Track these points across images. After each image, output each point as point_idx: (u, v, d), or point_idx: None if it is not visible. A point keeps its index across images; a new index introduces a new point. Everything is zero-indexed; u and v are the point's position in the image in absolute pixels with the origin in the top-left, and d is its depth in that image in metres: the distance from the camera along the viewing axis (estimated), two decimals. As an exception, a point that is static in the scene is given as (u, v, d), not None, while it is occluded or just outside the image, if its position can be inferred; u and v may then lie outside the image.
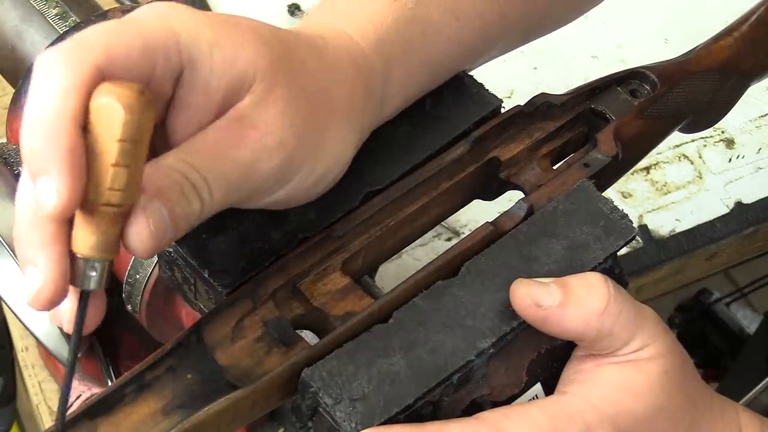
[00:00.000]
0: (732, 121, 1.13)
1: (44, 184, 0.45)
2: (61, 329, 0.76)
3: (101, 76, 0.47)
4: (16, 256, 0.72)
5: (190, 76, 0.51)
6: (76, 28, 0.78)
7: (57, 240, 0.47)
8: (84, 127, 0.46)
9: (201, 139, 0.52)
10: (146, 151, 0.46)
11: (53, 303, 0.48)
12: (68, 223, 0.48)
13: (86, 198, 0.46)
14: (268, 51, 0.53)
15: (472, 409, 0.56)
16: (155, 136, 0.50)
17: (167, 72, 0.50)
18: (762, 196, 1.18)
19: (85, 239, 0.47)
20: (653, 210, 1.16)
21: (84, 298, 0.49)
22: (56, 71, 0.47)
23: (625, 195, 1.17)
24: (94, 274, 0.48)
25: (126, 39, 0.49)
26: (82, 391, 0.94)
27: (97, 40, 0.48)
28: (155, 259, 0.70)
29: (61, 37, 0.78)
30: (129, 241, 0.48)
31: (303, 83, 0.55)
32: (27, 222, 0.48)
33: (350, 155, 0.60)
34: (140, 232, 0.48)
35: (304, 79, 0.55)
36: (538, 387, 0.60)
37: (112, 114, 0.45)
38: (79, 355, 0.80)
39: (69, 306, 0.51)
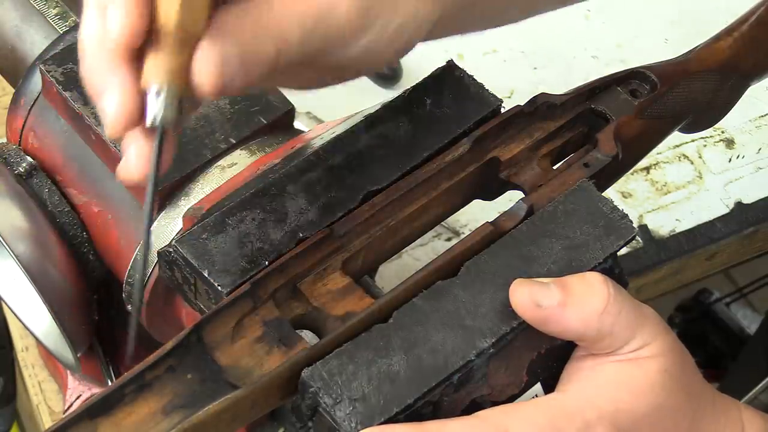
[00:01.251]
0: (732, 121, 1.13)
1: (112, 11, 0.46)
2: (62, 331, 0.76)
3: None
4: (15, 255, 0.72)
5: None
6: (76, 27, 0.78)
7: (128, 65, 0.48)
8: None
9: None
10: None
11: (129, 127, 0.48)
12: (136, 57, 0.48)
13: (152, 30, 0.47)
14: None
15: (472, 409, 0.56)
16: None
17: None
18: (762, 196, 1.18)
19: (152, 67, 0.47)
20: (653, 210, 1.16)
21: (158, 132, 0.49)
22: None
23: (625, 195, 1.17)
24: (167, 102, 0.48)
25: None
26: (82, 391, 0.94)
27: None
28: (155, 259, 0.70)
29: (61, 37, 0.78)
30: (195, 71, 0.48)
31: None
32: (96, 53, 0.48)
33: (427, 18, 0.57)
34: (205, 64, 0.48)
35: None
36: (538, 387, 0.60)
37: None
38: (78, 355, 0.80)
39: (142, 149, 0.50)
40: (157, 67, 0.47)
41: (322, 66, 0.56)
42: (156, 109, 0.48)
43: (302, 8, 0.51)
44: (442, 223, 0.80)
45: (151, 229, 0.48)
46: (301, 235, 0.60)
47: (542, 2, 0.74)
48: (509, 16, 0.71)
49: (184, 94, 0.49)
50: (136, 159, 0.50)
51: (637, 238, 1.13)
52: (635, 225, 1.00)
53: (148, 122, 0.48)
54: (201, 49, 0.48)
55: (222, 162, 0.71)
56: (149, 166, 0.50)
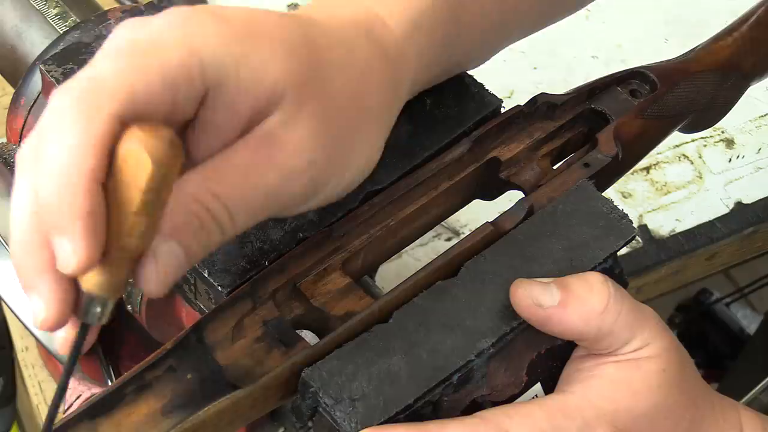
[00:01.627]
0: (732, 121, 1.12)
1: (62, 245, 0.44)
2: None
3: (121, 124, 0.45)
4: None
5: (215, 96, 0.48)
6: (76, 27, 0.78)
7: (54, 270, 0.45)
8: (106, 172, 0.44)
9: (225, 162, 0.49)
10: (168, 197, 0.45)
11: (57, 328, 0.47)
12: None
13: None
14: (297, 62, 0.50)
15: (472, 409, 0.56)
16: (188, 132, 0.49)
17: (190, 96, 0.47)
18: (762, 196, 1.18)
19: (95, 278, 0.46)
20: (653, 210, 1.16)
21: (83, 330, 0.48)
22: (73, 125, 0.44)
23: (625, 195, 1.17)
24: (98, 310, 0.47)
25: (146, 77, 0.45)
26: (82, 391, 0.94)
27: (115, 85, 0.45)
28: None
29: (61, 37, 0.78)
30: (140, 283, 0.47)
31: (334, 93, 0.52)
32: (25, 247, 0.46)
33: (378, 153, 0.58)
34: (150, 277, 0.47)
35: (335, 88, 0.52)
36: (538, 387, 0.60)
37: (139, 164, 0.43)
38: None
39: (65, 333, 0.49)
40: (96, 278, 0.45)
41: (273, 216, 0.55)
42: (86, 311, 0.47)
43: (252, 194, 0.49)
44: (442, 223, 0.80)
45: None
46: (301, 235, 0.60)
47: (519, 28, 0.72)
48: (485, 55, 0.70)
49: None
50: (60, 341, 0.50)
51: (637, 238, 1.13)
52: (635, 225, 1.01)
53: (79, 318, 0.47)
54: (146, 267, 0.46)
55: (222, 162, 0.71)
56: (69, 348, 0.49)
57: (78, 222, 0.43)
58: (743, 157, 1.21)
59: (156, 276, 0.47)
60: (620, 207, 0.62)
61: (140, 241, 0.45)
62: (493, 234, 0.61)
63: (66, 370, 0.49)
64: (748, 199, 1.17)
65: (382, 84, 0.56)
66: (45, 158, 0.45)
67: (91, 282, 0.46)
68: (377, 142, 0.58)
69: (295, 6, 1.29)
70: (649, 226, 1.14)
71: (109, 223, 0.45)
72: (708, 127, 0.81)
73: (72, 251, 0.44)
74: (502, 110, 0.68)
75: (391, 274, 0.98)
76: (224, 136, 0.49)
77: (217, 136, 0.49)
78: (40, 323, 0.47)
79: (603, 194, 0.63)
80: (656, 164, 1.20)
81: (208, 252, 0.49)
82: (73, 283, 0.46)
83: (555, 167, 0.67)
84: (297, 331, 0.58)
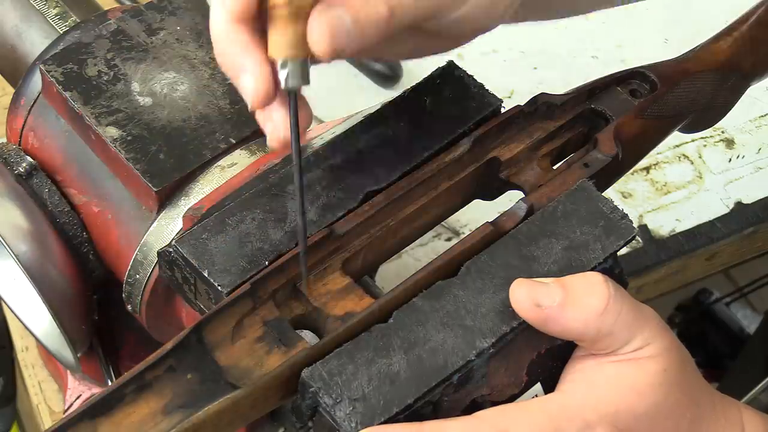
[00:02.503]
0: (732, 121, 1.12)
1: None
2: (62, 331, 0.76)
3: None
4: (15, 255, 0.72)
5: None
6: (76, 27, 0.78)
7: (256, 45, 0.53)
8: None
9: None
10: None
11: (269, 97, 0.54)
12: (261, 35, 0.53)
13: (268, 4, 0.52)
14: None
15: (472, 409, 0.56)
16: None
17: None
18: (762, 196, 1.18)
19: (274, 42, 0.53)
20: (653, 210, 1.16)
21: (292, 96, 0.54)
22: None
23: (625, 195, 1.17)
24: (293, 72, 0.53)
25: None
26: (82, 391, 0.94)
27: None
28: (155, 259, 0.70)
29: (61, 37, 0.78)
30: (310, 39, 0.52)
31: None
32: (225, 37, 0.54)
33: None
34: (318, 30, 0.52)
35: None
36: (538, 387, 0.60)
37: None
38: (78, 355, 0.80)
39: (281, 116, 0.55)
40: (277, 42, 0.53)
41: (424, 33, 0.59)
42: (286, 77, 0.53)
43: None
44: (442, 223, 0.80)
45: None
46: (301, 235, 0.60)
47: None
48: (583, 6, 0.74)
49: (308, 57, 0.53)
50: (280, 123, 0.55)
51: (637, 238, 1.13)
52: (635, 225, 1.01)
53: (282, 87, 0.54)
54: (312, 17, 0.52)
55: (222, 162, 0.71)
56: (290, 128, 0.55)
57: None
58: (743, 157, 1.21)
59: (320, 31, 0.52)
60: (620, 207, 0.62)
61: None
62: (493, 234, 0.61)
63: (294, 141, 0.55)
64: (748, 199, 1.17)
65: None
66: None
67: (273, 48, 0.53)
68: None
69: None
70: (649, 226, 1.14)
71: None
72: (708, 127, 0.81)
73: None
74: (502, 110, 0.68)
75: (391, 274, 0.98)
76: None
77: None
78: (257, 98, 0.54)
79: (603, 194, 0.63)
80: (656, 164, 1.20)
81: (380, 29, 0.54)
82: (267, 59, 0.54)
83: (555, 167, 0.67)
84: (297, 331, 0.58)
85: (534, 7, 0.68)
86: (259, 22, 0.54)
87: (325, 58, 0.53)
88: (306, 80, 0.54)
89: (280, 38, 0.53)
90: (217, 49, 0.55)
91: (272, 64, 0.54)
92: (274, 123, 0.56)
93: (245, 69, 0.54)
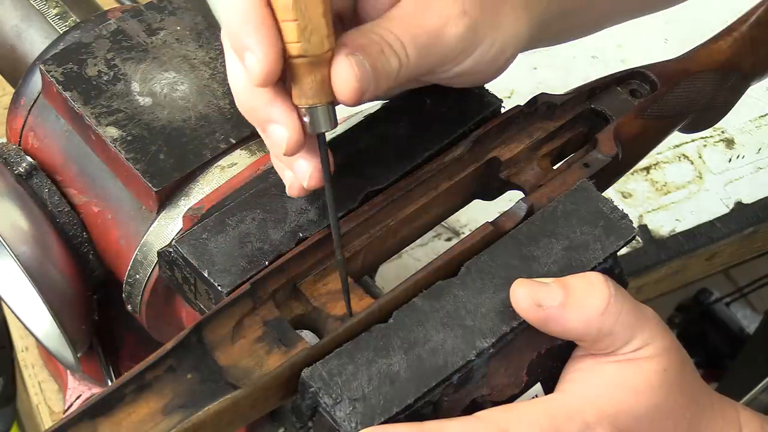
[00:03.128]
0: (732, 121, 1.13)
1: (249, 58, 0.52)
2: (62, 331, 0.76)
3: None
4: (15, 255, 0.72)
5: None
6: (76, 27, 0.78)
7: (280, 95, 0.55)
8: None
9: (395, 11, 0.58)
10: (321, 5, 0.52)
11: (300, 145, 0.55)
12: (282, 86, 0.55)
13: (286, 56, 0.53)
14: None
15: (472, 409, 0.56)
16: (348, 22, 0.58)
17: None
18: (762, 196, 1.18)
19: (298, 90, 0.54)
20: (653, 210, 1.16)
21: (321, 139, 0.56)
22: None
23: (625, 195, 1.17)
24: (319, 117, 0.54)
25: None
26: (82, 391, 0.94)
27: None
28: (155, 259, 0.70)
29: (61, 37, 0.78)
30: (334, 84, 0.54)
31: None
32: (248, 92, 0.55)
33: (525, 34, 0.64)
34: (343, 75, 0.54)
35: None
36: (538, 387, 0.60)
37: None
38: (78, 355, 0.80)
39: (306, 165, 0.57)
40: (301, 91, 0.54)
41: (427, 81, 0.62)
42: (312, 123, 0.55)
43: (417, 30, 0.57)
44: (442, 223, 0.80)
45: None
46: (301, 235, 0.60)
47: (627, 11, 0.78)
48: (598, 25, 0.76)
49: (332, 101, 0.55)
50: (304, 172, 0.57)
51: (637, 238, 1.13)
52: (635, 225, 1.01)
53: (309, 132, 0.55)
54: (338, 63, 0.54)
55: (222, 162, 0.71)
56: (320, 171, 0.57)
57: (255, 31, 0.52)
58: (743, 157, 1.21)
59: (348, 74, 0.54)
60: (620, 207, 0.62)
61: (305, 44, 0.52)
62: (493, 234, 0.61)
63: (326, 179, 0.56)
64: (748, 199, 1.17)
65: None
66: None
67: (296, 96, 0.54)
68: (522, 20, 0.63)
69: None
70: (649, 226, 1.14)
71: (285, 41, 0.52)
72: (708, 127, 0.81)
73: (256, 60, 0.52)
74: (502, 110, 0.68)
75: (391, 274, 0.98)
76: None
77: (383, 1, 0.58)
78: (287, 144, 0.55)
79: (603, 194, 0.63)
80: (656, 164, 1.20)
81: (390, 82, 0.57)
82: (294, 110, 0.55)
83: (555, 167, 0.67)
84: (297, 331, 0.58)
85: (546, 39, 0.70)
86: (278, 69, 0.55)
87: (349, 103, 0.55)
88: (334, 123, 0.55)
89: (303, 87, 0.54)
90: (240, 101, 0.57)
91: (297, 110, 0.55)
92: (297, 172, 0.58)
93: (273, 120, 0.55)
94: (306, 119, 0.55)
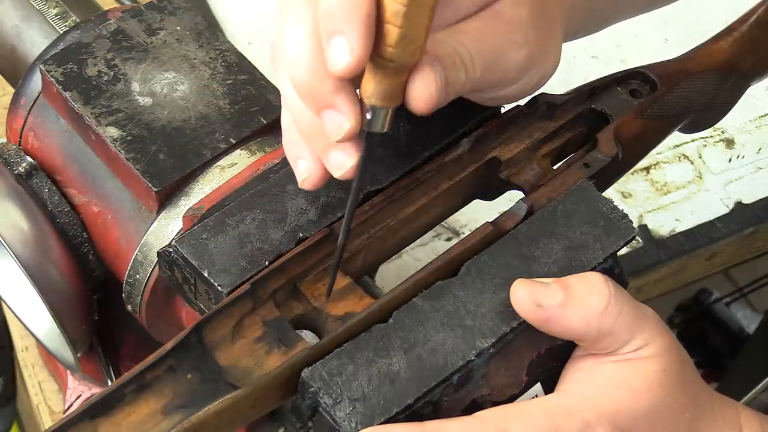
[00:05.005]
0: (732, 121, 1.13)
1: (339, 44, 0.51)
2: (62, 331, 0.76)
3: None
4: (15, 255, 0.72)
5: None
6: (76, 27, 0.78)
7: (350, 87, 0.54)
8: None
9: (466, 25, 0.59)
10: (427, 18, 0.51)
11: (354, 134, 0.54)
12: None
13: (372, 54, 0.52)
14: None
15: (472, 409, 0.56)
16: None
17: None
18: (762, 196, 1.18)
19: (369, 88, 0.53)
20: (653, 210, 1.16)
21: (371, 139, 0.55)
22: None
23: (625, 195, 1.17)
24: (379, 118, 0.54)
25: None
26: (82, 391, 0.94)
27: None
28: (155, 259, 0.70)
29: (61, 37, 0.78)
30: (413, 92, 0.54)
31: None
32: (318, 75, 0.53)
33: (559, 56, 0.65)
34: (426, 86, 0.54)
35: None
36: (538, 387, 0.60)
37: None
38: (78, 355, 0.80)
39: (345, 159, 0.56)
40: (377, 89, 0.53)
41: (476, 99, 0.63)
42: (372, 121, 0.54)
43: (486, 49, 0.58)
44: (442, 223, 0.80)
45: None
46: (301, 235, 0.60)
47: (631, 8, 0.80)
48: (609, 24, 0.77)
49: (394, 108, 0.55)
50: (351, 162, 0.56)
51: (637, 238, 1.13)
52: (635, 225, 1.01)
53: (364, 128, 0.54)
54: (422, 75, 0.54)
55: (222, 162, 0.71)
56: (356, 168, 0.56)
57: (357, 23, 0.50)
58: (743, 157, 1.21)
59: (431, 86, 0.54)
60: (620, 207, 0.62)
61: (396, 51, 0.51)
62: (493, 234, 0.61)
63: (358, 178, 0.56)
64: (748, 199, 1.17)
65: None
66: None
67: (369, 93, 0.53)
68: (560, 43, 0.65)
69: None
70: (649, 226, 1.14)
71: (384, 39, 0.51)
72: (708, 127, 0.81)
73: (348, 49, 0.50)
74: (502, 110, 0.68)
75: (391, 274, 0.98)
76: (464, 11, 0.59)
77: (460, 11, 0.59)
78: (345, 134, 0.54)
79: (603, 194, 0.63)
80: (656, 164, 1.20)
81: (457, 92, 0.58)
82: (358, 99, 0.54)
83: (555, 167, 0.67)
84: (297, 331, 0.58)
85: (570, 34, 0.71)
86: None
87: (422, 112, 0.55)
88: (390, 127, 0.54)
89: (378, 88, 0.53)
90: (301, 79, 0.54)
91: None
92: (331, 161, 0.56)
93: (336, 107, 0.54)
94: (368, 116, 0.54)
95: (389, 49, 0.51)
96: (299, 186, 0.59)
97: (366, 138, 0.55)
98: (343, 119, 0.54)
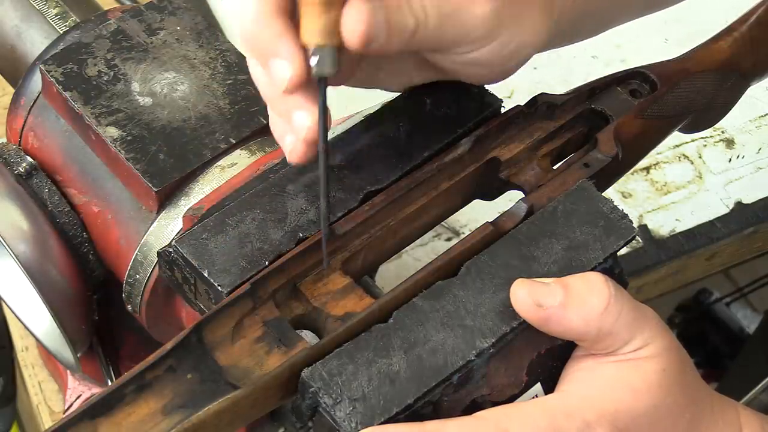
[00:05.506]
0: (732, 121, 1.13)
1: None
2: (62, 331, 0.76)
3: None
4: (15, 255, 0.72)
5: None
6: (76, 27, 0.78)
7: (288, 30, 0.54)
8: None
9: None
10: None
11: (302, 82, 0.54)
12: (292, 19, 0.54)
13: None
14: None
15: (472, 409, 0.56)
16: None
17: None
18: (762, 196, 1.18)
19: (308, 29, 0.53)
20: (653, 210, 1.16)
21: (322, 82, 0.55)
22: None
23: (625, 195, 1.17)
24: (325, 59, 0.54)
25: None
26: (82, 391, 0.94)
27: None
28: (155, 259, 0.70)
29: (61, 37, 0.78)
30: (345, 25, 0.53)
31: None
32: (257, 21, 0.54)
33: (544, 37, 0.63)
34: (357, 19, 0.53)
35: None
36: (538, 387, 0.60)
37: None
38: (78, 355, 0.80)
39: (304, 116, 0.56)
40: (311, 27, 0.53)
41: (432, 68, 0.61)
42: (318, 63, 0.54)
43: (440, 1, 0.57)
44: (442, 223, 0.80)
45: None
46: (301, 235, 0.60)
47: (630, 11, 0.77)
48: (611, 25, 0.75)
49: (339, 47, 0.54)
50: (310, 119, 0.55)
51: (637, 238, 1.13)
52: (635, 225, 1.01)
53: (314, 74, 0.54)
54: (350, 5, 0.53)
55: (222, 162, 0.71)
56: (318, 116, 0.55)
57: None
58: (743, 157, 1.21)
59: (358, 17, 0.53)
60: (620, 207, 0.62)
61: None
62: (493, 234, 0.61)
63: (322, 128, 0.55)
64: (748, 199, 1.17)
65: None
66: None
67: (308, 34, 0.53)
68: (543, 24, 0.62)
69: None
70: (649, 226, 1.14)
71: None
72: (708, 127, 0.81)
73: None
74: (502, 110, 0.68)
75: (391, 274, 0.98)
76: None
77: None
78: (290, 80, 0.54)
79: (603, 194, 0.63)
80: (656, 164, 1.20)
81: (403, 39, 0.56)
82: (300, 46, 0.54)
83: (555, 167, 0.67)
84: (297, 331, 0.58)
85: (560, 41, 0.70)
86: (289, 4, 0.55)
87: (355, 47, 0.54)
88: (337, 68, 0.54)
89: (313, 25, 0.53)
90: (245, 29, 0.55)
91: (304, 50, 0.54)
92: (295, 123, 0.56)
93: (279, 54, 0.54)
94: (313, 59, 0.54)
95: None
96: (288, 161, 0.58)
97: (319, 84, 0.55)
98: (285, 64, 0.53)
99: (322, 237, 0.58)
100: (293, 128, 0.56)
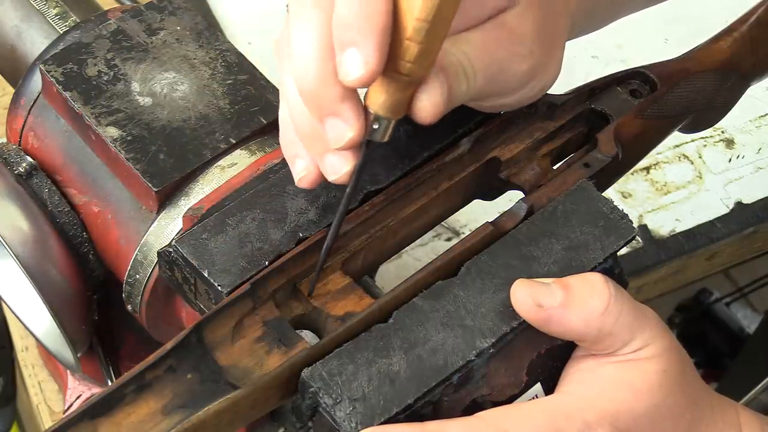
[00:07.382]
0: (732, 121, 1.13)
1: (353, 56, 0.50)
2: (62, 331, 0.76)
3: None
4: (15, 255, 0.72)
5: None
6: (76, 27, 0.78)
7: (356, 96, 0.53)
8: None
9: (471, 35, 0.58)
10: (444, 33, 0.51)
11: (356, 144, 0.54)
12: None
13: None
14: None
15: (472, 409, 0.56)
16: None
17: None
18: (762, 196, 1.18)
19: (378, 99, 0.53)
20: (653, 210, 1.16)
21: (370, 147, 0.55)
22: None
23: (625, 195, 1.17)
24: (381, 128, 0.54)
25: None
26: (82, 391, 0.94)
27: None
28: (155, 259, 0.70)
29: (61, 37, 0.78)
30: (420, 104, 0.54)
31: (552, 3, 0.62)
32: (323, 77, 0.53)
33: (560, 66, 0.65)
34: (432, 99, 0.54)
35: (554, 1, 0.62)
36: (538, 387, 0.60)
37: None
38: (78, 355, 0.80)
39: (341, 164, 0.56)
40: (387, 101, 0.53)
41: (474, 106, 0.63)
42: (376, 131, 0.54)
43: (489, 61, 0.58)
44: (442, 223, 0.80)
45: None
46: (301, 235, 0.60)
47: (631, 5, 0.79)
48: (611, 21, 0.77)
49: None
50: (346, 168, 0.56)
51: (637, 238, 1.13)
52: (635, 225, 1.01)
53: (367, 137, 0.54)
54: (430, 88, 0.54)
55: (222, 162, 0.71)
56: (351, 174, 0.56)
57: (372, 36, 0.50)
58: (743, 157, 1.21)
59: (437, 99, 0.54)
60: (620, 207, 0.62)
61: (413, 66, 0.51)
62: (493, 234, 0.61)
63: (352, 183, 0.56)
64: (748, 199, 1.17)
65: (568, 3, 0.65)
66: None
67: (376, 103, 0.53)
68: (562, 54, 0.65)
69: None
70: (649, 226, 1.14)
71: (400, 54, 0.51)
72: (708, 127, 0.81)
73: (363, 61, 0.50)
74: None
75: (391, 274, 0.98)
76: (471, 20, 0.59)
77: (466, 19, 0.59)
78: (346, 143, 0.54)
79: (603, 194, 0.63)
80: (656, 164, 1.20)
81: (458, 102, 0.58)
82: (363, 109, 0.54)
83: (555, 167, 0.67)
84: (297, 331, 0.58)
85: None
86: None
87: (426, 122, 0.55)
88: (390, 138, 0.55)
89: (390, 100, 0.53)
90: (307, 85, 0.53)
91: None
92: (326, 165, 0.56)
93: (340, 115, 0.53)
94: (374, 126, 0.54)
95: (407, 64, 0.51)
96: (296, 184, 0.59)
97: (365, 146, 0.55)
98: (346, 128, 0.53)
99: (316, 272, 0.59)
100: (324, 169, 0.57)
